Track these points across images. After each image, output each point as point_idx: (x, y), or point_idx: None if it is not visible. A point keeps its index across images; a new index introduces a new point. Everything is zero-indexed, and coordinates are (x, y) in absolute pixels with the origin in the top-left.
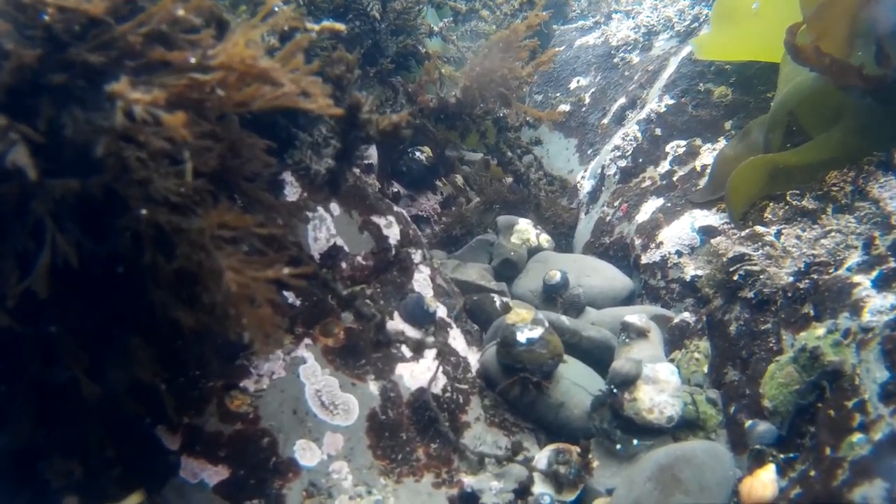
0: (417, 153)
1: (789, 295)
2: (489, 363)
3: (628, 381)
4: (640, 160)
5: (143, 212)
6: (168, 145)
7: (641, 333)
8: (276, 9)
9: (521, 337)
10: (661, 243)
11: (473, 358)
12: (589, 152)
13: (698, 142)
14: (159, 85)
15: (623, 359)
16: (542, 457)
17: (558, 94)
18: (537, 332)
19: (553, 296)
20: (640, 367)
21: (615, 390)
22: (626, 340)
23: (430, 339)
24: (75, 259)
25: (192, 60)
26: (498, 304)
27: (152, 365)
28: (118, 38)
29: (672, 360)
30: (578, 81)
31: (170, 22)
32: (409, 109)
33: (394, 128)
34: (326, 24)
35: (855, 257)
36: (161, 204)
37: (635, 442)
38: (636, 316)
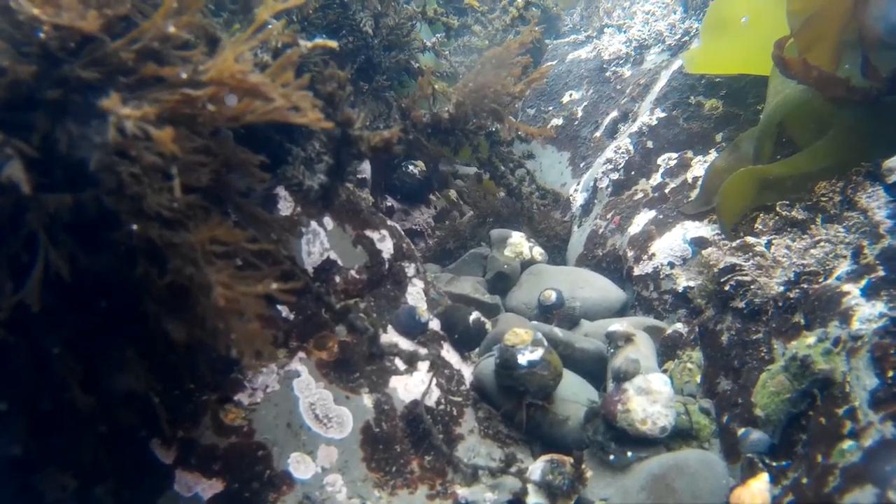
0: (411, 167)
1: (780, 304)
2: (483, 376)
3: (627, 377)
4: (633, 173)
5: (134, 226)
6: (159, 160)
7: (627, 338)
8: (269, 25)
9: (522, 360)
10: (654, 255)
11: (467, 371)
12: (581, 165)
13: (690, 154)
14: (151, 100)
15: (622, 357)
16: (535, 468)
17: (551, 108)
18: (538, 354)
19: (548, 315)
20: (637, 366)
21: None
22: (613, 351)
23: (424, 352)
24: (67, 272)
25: (184, 76)
26: (471, 319)
27: (146, 377)
28: (111, 54)
29: (665, 371)
30: (571, 95)
31: (162, 39)
32: (400, 126)
33: (385, 144)
34: (319, 41)
35: (844, 266)
36: (153, 219)
37: (629, 454)
38: (617, 324)
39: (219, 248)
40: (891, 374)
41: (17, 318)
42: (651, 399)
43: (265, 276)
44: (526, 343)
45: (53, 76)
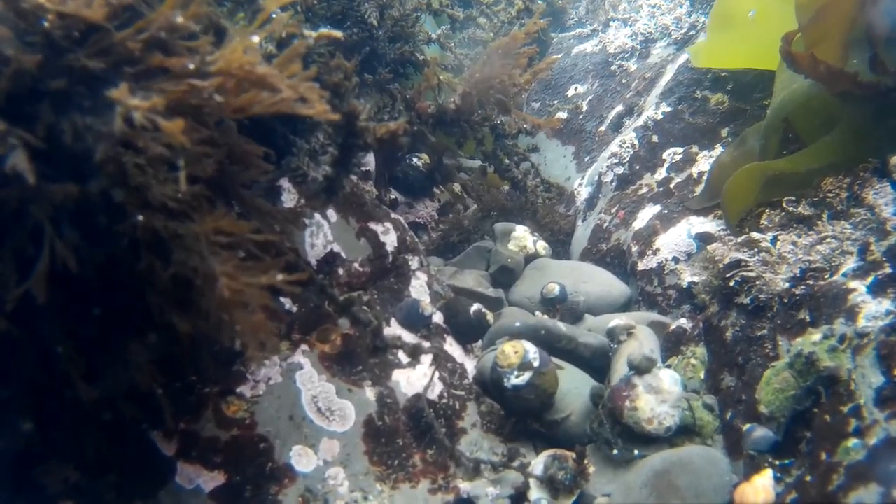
0: (415, 160)
1: (785, 301)
2: (486, 370)
3: (639, 373)
4: (638, 167)
5: (140, 217)
6: (167, 151)
7: (628, 331)
8: (274, 16)
9: (509, 384)
10: (658, 250)
11: (470, 364)
12: (586, 159)
13: (695, 149)
14: (158, 91)
15: (636, 350)
16: (538, 463)
17: (556, 102)
18: (524, 379)
19: (551, 309)
20: (651, 364)
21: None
22: (615, 346)
23: (427, 345)
24: (74, 264)
25: (191, 67)
26: (472, 310)
27: (150, 370)
28: (117, 44)
29: (669, 367)
30: (576, 89)
31: (169, 29)
32: (406, 117)
33: (391, 135)
34: (324, 31)
35: (850, 263)
36: (158, 209)
37: (636, 452)
38: (616, 319)
39: (223, 240)
40: None
41: (20, 310)
42: (660, 398)
43: (270, 268)
44: (514, 366)
45: (58, 66)
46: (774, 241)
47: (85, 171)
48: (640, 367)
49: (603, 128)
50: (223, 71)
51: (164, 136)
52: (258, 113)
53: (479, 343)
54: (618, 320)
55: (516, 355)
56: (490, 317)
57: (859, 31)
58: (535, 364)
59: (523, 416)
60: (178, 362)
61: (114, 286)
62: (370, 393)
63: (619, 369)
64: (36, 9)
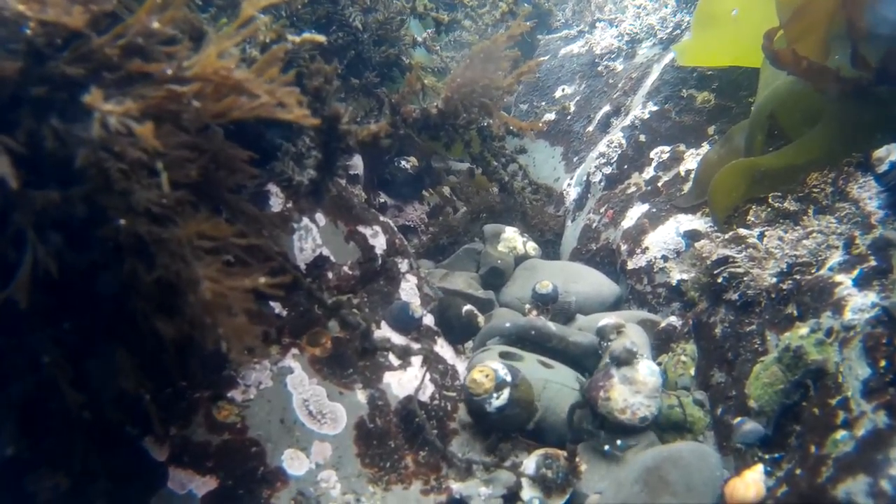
0: (403, 163)
1: (773, 296)
2: None
3: (620, 365)
4: (625, 167)
5: (122, 222)
6: (144, 156)
7: (619, 330)
8: (256, 20)
9: (490, 408)
10: (647, 248)
11: (461, 366)
12: (574, 160)
13: (682, 147)
14: (136, 96)
15: (620, 344)
16: (529, 462)
17: (543, 103)
18: (504, 398)
19: (543, 306)
20: (632, 356)
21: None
22: (605, 345)
23: (416, 346)
24: (55, 270)
25: (169, 72)
26: (464, 310)
27: (136, 375)
28: (96, 50)
29: (659, 364)
30: (563, 90)
31: (146, 34)
32: (388, 119)
33: (373, 138)
34: (307, 35)
35: (836, 257)
36: (141, 214)
37: (619, 443)
38: (606, 318)
39: (207, 244)
40: (883, 363)
41: (5, 317)
42: (634, 389)
43: (254, 271)
44: (490, 391)
45: (39, 73)
46: (761, 236)
47: (67, 177)
48: (621, 359)
49: (591, 128)
50: (199, 76)
51: (141, 141)
52: (238, 118)
53: (471, 343)
54: (608, 319)
55: (488, 379)
56: (481, 318)
57: (840, 27)
58: (509, 379)
59: (509, 431)
60: (167, 367)
61: (98, 292)
62: (361, 395)
63: None
64: (17, 17)
